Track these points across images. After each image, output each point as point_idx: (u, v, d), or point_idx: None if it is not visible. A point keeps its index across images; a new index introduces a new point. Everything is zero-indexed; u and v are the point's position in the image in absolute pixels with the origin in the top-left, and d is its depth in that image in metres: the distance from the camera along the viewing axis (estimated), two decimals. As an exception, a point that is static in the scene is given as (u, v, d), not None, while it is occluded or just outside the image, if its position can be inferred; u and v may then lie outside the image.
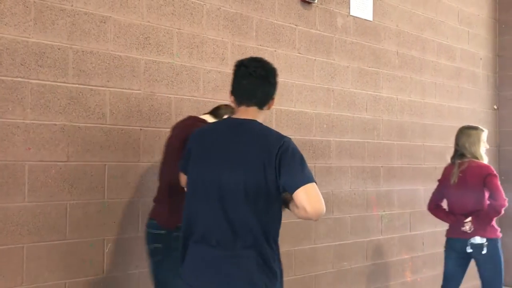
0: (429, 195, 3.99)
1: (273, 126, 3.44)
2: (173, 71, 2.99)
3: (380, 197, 4.16)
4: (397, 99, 4.31)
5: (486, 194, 3.32)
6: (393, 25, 4.29)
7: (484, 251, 3.25)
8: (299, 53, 3.62)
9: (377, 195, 4.14)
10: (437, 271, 4.62)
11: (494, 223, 3.34)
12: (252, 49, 3.35)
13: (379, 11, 4.17)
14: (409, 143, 4.41)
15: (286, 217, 3.52)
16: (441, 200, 3.59)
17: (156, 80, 2.92)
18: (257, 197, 1.87)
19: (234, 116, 2.05)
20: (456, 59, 4.91)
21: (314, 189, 1.89)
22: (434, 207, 3.59)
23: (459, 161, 3.40)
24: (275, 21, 3.49)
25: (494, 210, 3.27)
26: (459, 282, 3.46)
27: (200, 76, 3.10)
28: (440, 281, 3.61)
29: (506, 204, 3.29)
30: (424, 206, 4.50)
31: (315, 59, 3.71)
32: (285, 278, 3.54)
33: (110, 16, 2.74)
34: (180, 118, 2.99)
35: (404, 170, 4.36)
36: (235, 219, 1.88)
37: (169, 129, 2.95)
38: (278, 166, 1.87)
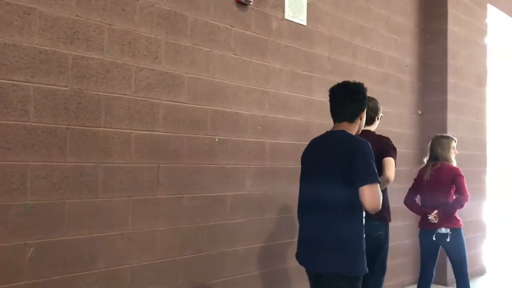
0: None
1: (208, 127, 3.43)
2: (103, 68, 2.88)
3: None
4: (327, 103, 4.41)
5: (452, 191, 3.98)
6: (325, 31, 4.41)
7: (448, 239, 3.91)
8: (235, 54, 3.62)
9: (309, 196, 4.22)
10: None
11: (457, 215, 3.99)
12: (186, 48, 3.31)
13: (312, 17, 4.27)
14: (340, 145, 4.54)
15: (217, 219, 3.51)
16: (416, 196, 4.20)
17: (85, 76, 2.80)
18: None
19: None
20: (384, 66, 5.13)
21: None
22: (409, 202, 4.19)
23: (432, 163, 4.10)
24: (211, 21, 3.47)
25: (459, 204, 3.94)
26: (433, 265, 4.11)
27: (132, 74, 3.02)
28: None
29: (469, 200, 3.96)
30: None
31: (250, 61, 3.73)
32: (218, 280, 3.54)
33: (35, 8, 2.60)
34: (110, 116, 2.90)
35: (335, 171, 4.48)
36: None
37: (98, 128, 2.85)
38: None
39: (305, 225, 2.67)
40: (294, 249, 4.06)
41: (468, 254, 4.26)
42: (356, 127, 2.68)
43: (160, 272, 3.15)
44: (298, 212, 2.75)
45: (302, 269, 4.10)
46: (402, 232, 5.33)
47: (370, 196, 2.42)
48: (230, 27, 3.60)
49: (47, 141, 2.65)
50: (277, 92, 3.94)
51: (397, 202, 5.33)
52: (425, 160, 4.26)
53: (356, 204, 2.48)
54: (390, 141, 3.52)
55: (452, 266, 4.12)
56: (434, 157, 4.10)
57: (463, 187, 3.94)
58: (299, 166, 4.11)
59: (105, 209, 2.89)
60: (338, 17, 4.55)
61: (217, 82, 3.50)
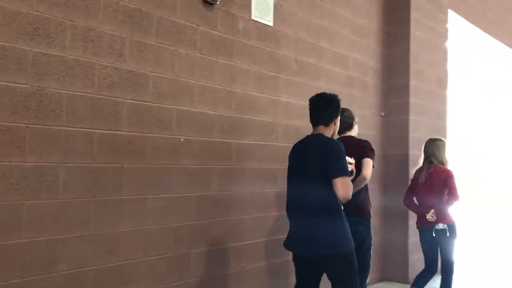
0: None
1: (173, 127, 3.39)
2: (65, 66, 2.81)
3: (277, 198, 4.26)
4: (295, 103, 4.46)
5: (446, 192, 4.26)
6: (292, 32, 4.44)
7: (448, 234, 4.19)
8: (201, 54, 3.60)
9: (276, 196, 4.24)
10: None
11: (450, 212, 4.26)
12: (151, 46, 3.26)
13: (279, 18, 4.29)
14: (305, 146, 4.58)
15: (183, 219, 3.47)
16: (413, 196, 4.45)
17: (46, 74, 2.72)
18: None
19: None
20: (349, 68, 5.21)
21: None
22: (409, 202, 4.48)
23: (427, 165, 4.36)
24: (177, 19, 3.43)
25: (449, 204, 4.24)
26: (436, 258, 4.37)
27: (95, 72, 2.95)
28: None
29: (459, 199, 4.25)
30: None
31: (216, 61, 3.72)
32: (183, 281, 3.51)
33: (-7, 2, 2.51)
34: (72, 115, 2.83)
35: (300, 172, 4.52)
36: None
37: (59, 127, 2.78)
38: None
39: (294, 217, 3.09)
40: (261, 249, 4.09)
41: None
42: (331, 131, 3.17)
43: (123, 274, 3.09)
44: (287, 206, 3.15)
45: (268, 269, 4.11)
46: (365, 232, 5.42)
47: (341, 187, 2.86)
48: (197, 27, 3.57)
49: (5, 140, 2.56)
50: (244, 92, 3.94)
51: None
52: (421, 162, 4.50)
53: (334, 196, 2.91)
54: (369, 144, 3.89)
55: (442, 260, 4.35)
56: (429, 161, 4.35)
57: (453, 188, 4.23)
58: (266, 166, 4.14)
59: (66, 210, 2.82)
60: (304, 19, 4.59)
61: (182, 82, 3.47)
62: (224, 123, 3.77)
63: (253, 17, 4.03)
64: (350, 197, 2.90)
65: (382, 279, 5.65)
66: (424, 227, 4.30)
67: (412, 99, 5.71)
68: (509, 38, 8.74)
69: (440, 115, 6.33)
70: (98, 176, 2.97)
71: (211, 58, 3.68)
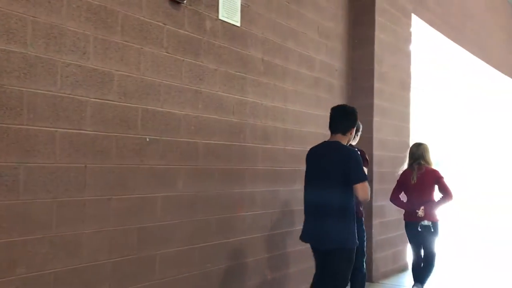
0: (289, 195, 4.80)
1: (138, 126, 3.34)
2: (26, 63, 2.73)
3: (244, 198, 4.27)
4: (261, 104, 4.48)
5: (433, 191, 4.71)
6: (259, 33, 4.45)
7: (432, 230, 4.66)
8: (167, 53, 3.56)
9: (242, 197, 4.24)
10: (296, 268, 4.89)
11: (436, 211, 4.72)
12: (116, 44, 3.21)
13: (246, 18, 4.30)
14: (271, 146, 4.61)
15: (148, 220, 3.43)
16: (400, 193, 4.92)
17: (5, 71, 2.64)
18: None
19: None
20: (315, 70, 5.27)
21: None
22: (395, 198, 4.94)
23: (417, 166, 4.81)
24: (142, 17, 3.39)
25: (444, 202, 4.67)
26: (420, 250, 4.86)
27: (58, 70, 2.88)
28: (297, 278, 4.30)
29: (453, 197, 4.67)
30: (284, 207, 4.75)
31: (183, 60, 3.69)
32: (148, 283, 3.46)
33: (-51, -5, 2.41)
34: (33, 113, 2.75)
35: (267, 172, 4.54)
36: None
37: (19, 126, 2.70)
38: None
39: (312, 215, 3.47)
40: (227, 249, 4.08)
41: (392, 251, 5.18)
42: (347, 139, 3.56)
43: (86, 276, 3.03)
44: (306, 204, 3.54)
45: (234, 270, 4.12)
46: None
47: (362, 191, 3.30)
48: (163, 25, 3.53)
49: (-39, 139, 2.46)
50: (211, 92, 3.93)
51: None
52: (406, 164, 5.01)
53: (349, 197, 3.34)
54: (364, 153, 4.23)
55: (425, 253, 4.84)
56: (418, 162, 4.81)
57: (447, 188, 4.69)
58: (233, 166, 4.13)
59: (26, 212, 2.73)
60: (271, 20, 4.61)
61: (148, 80, 3.43)
62: (190, 123, 3.75)
63: (220, 17, 4.02)
64: (369, 199, 3.40)
65: (347, 277, 5.73)
66: (411, 220, 4.78)
67: (376, 101, 5.82)
68: (468, 44, 9.04)
69: (403, 117, 6.48)
70: (60, 177, 2.89)
71: (178, 57, 3.65)
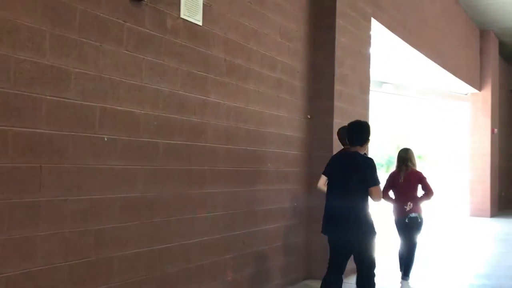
0: (250, 196, 4.81)
1: (96, 126, 3.26)
2: (-23, 58, 2.61)
3: (205, 199, 4.24)
4: (223, 104, 4.46)
5: (417, 189, 5.50)
6: (221, 33, 4.43)
7: (418, 221, 5.43)
8: (127, 51, 3.49)
9: (203, 197, 4.21)
10: (257, 269, 4.90)
11: (421, 205, 5.49)
12: (74, 41, 3.11)
13: (208, 17, 4.27)
14: (233, 147, 4.59)
15: (106, 222, 3.35)
16: (389, 191, 5.56)
17: (-46, 66, 2.51)
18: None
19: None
20: (277, 71, 5.29)
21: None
22: (385, 195, 5.38)
23: (404, 168, 5.54)
24: (102, 14, 3.30)
25: (427, 198, 5.46)
26: (407, 240, 5.52)
27: (11, 66, 2.76)
28: (258, 279, 4.32)
29: (434, 194, 5.44)
30: (245, 208, 4.75)
31: (143, 58, 3.62)
32: (105, 286, 3.38)
33: None
34: (-15, 111, 2.63)
35: (228, 173, 4.53)
36: None
37: (-31, 124, 2.58)
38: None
39: (335, 210, 4.06)
40: (188, 251, 4.03)
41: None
42: (364, 150, 4.20)
43: (40, 280, 2.92)
44: (329, 203, 4.13)
45: (195, 271, 4.09)
46: (292, 231, 5.54)
47: (375, 193, 4.00)
48: (123, 22, 3.46)
49: None
50: (172, 91, 3.88)
51: (289, 202, 5.53)
52: (395, 166, 5.67)
53: (367, 196, 4.02)
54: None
55: (408, 246, 5.50)
56: (406, 164, 5.54)
57: (429, 186, 5.47)
58: (194, 167, 4.09)
59: (-24, 214, 2.61)
60: (233, 20, 4.60)
61: (107, 79, 3.35)
62: (151, 123, 3.69)
63: (182, 16, 3.97)
64: (381, 200, 4.15)
65: (306, 277, 5.79)
66: (400, 217, 5.49)
67: (337, 103, 5.91)
68: (425, 48, 9.32)
69: (362, 119, 6.58)
70: (13, 177, 2.78)
71: (138, 55, 3.58)
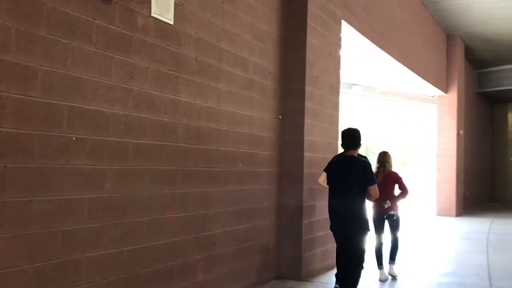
0: (222, 196, 4.80)
1: (64, 125, 3.19)
2: None
3: (176, 199, 4.20)
4: (195, 104, 4.43)
5: (394, 188, 6.12)
6: (193, 32, 4.41)
7: (395, 218, 6.05)
8: (96, 49, 3.43)
9: (173, 198, 4.18)
10: (228, 269, 4.89)
11: (398, 204, 6.10)
12: (41, 38, 3.04)
13: (180, 16, 4.24)
14: (205, 147, 4.57)
15: (74, 223, 3.29)
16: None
17: None
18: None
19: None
20: (249, 71, 5.30)
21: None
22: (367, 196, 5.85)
23: (382, 170, 6.14)
24: (70, 11, 3.24)
25: (403, 196, 6.08)
26: (382, 234, 6.13)
27: (-25, 63, 2.68)
28: (229, 279, 4.38)
29: (409, 192, 6.07)
30: (217, 208, 4.73)
31: (113, 56, 3.57)
32: (76, 287, 3.30)
33: None
34: None
35: (199, 173, 4.50)
36: None
37: None
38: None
39: (335, 210, 4.65)
40: (158, 251, 3.99)
41: (321, 250, 5.87)
42: (357, 152, 4.79)
43: (4, 284, 2.84)
44: (332, 201, 4.69)
45: (165, 272, 4.06)
46: (263, 231, 5.55)
47: (373, 191, 4.56)
48: (92, 20, 3.40)
49: None
50: (142, 90, 3.83)
51: (260, 202, 5.55)
52: (375, 167, 6.09)
53: (365, 195, 4.57)
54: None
55: (392, 239, 6.12)
56: (384, 166, 6.16)
57: (404, 186, 6.08)
58: (164, 167, 4.05)
59: None
60: (205, 20, 4.58)
61: (75, 77, 3.28)
62: (120, 122, 3.63)
63: (152, 14, 3.93)
64: (377, 197, 4.70)
65: (277, 276, 5.82)
66: (379, 211, 6.03)
67: (307, 104, 5.96)
68: (394, 50, 9.50)
69: (333, 120, 6.69)
70: (-25, 177, 2.69)
71: (108, 54, 3.52)
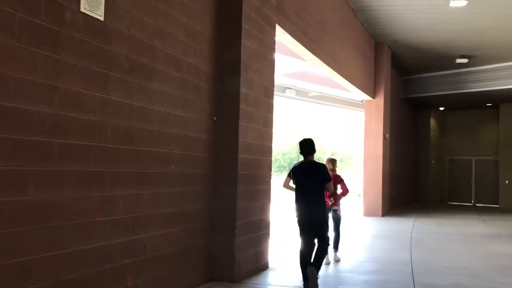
0: (153, 199, 4.69)
1: (-19, 123, 2.96)
2: None
3: (104, 202, 4.05)
4: (125, 103, 4.30)
5: (337, 188, 7.25)
6: (124, 29, 4.28)
7: (338, 213, 7.32)
8: (19, 43, 3.23)
9: (102, 201, 4.02)
10: (159, 273, 4.78)
11: (340, 201, 7.39)
12: (-44, 29, 2.81)
13: (111, 12, 4.09)
14: (136, 148, 4.45)
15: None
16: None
17: None
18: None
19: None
20: (183, 71, 5.22)
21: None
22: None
23: (330, 172, 6.62)
24: (-11, 1, 3.02)
25: (343, 195, 7.28)
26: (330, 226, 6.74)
27: None
28: (160, 283, 4.28)
29: (349, 192, 7.34)
30: (148, 210, 4.62)
31: (38, 52, 3.38)
32: (-11, 299, 3.07)
33: None
34: None
35: (129, 174, 4.37)
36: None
37: None
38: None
39: (305, 203, 5.63)
40: (85, 256, 3.83)
41: (254, 251, 6.09)
42: (313, 157, 5.82)
43: None
44: (299, 197, 5.66)
45: (93, 277, 3.90)
46: (195, 234, 5.49)
47: (329, 186, 5.83)
48: (15, 12, 3.20)
49: None
50: (69, 88, 3.66)
51: (194, 204, 5.48)
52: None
53: (324, 192, 5.80)
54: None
55: (335, 231, 7.35)
56: (332, 170, 7.19)
57: (345, 186, 7.26)
58: (92, 168, 3.89)
59: None
60: (137, 17, 4.46)
61: (-5, 72, 3.07)
62: (45, 121, 3.44)
63: (82, 9, 3.77)
64: (332, 191, 6.55)
65: (210, 279, 5.78)
66: (329, 207, 6.99)
67: (242, 106, 5.97)
68: (325, 56, 9.77)
69: (267, 122, 6.75)
70: None
71: (32, 49, 3.33)
